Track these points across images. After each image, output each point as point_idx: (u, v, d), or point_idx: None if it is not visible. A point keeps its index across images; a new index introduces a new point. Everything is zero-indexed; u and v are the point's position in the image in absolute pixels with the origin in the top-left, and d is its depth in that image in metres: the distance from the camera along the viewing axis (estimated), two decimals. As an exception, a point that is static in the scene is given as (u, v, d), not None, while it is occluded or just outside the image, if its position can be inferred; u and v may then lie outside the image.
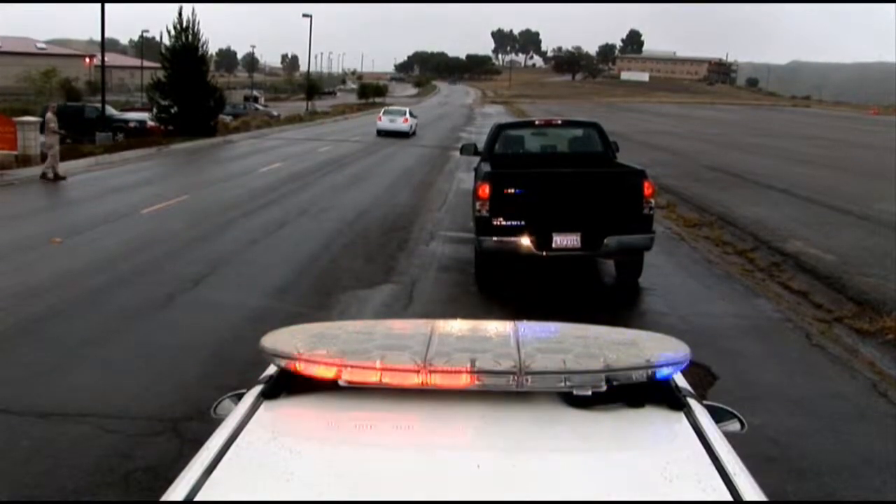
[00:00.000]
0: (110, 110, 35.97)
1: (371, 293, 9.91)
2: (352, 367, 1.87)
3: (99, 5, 30.58)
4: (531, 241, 9.50)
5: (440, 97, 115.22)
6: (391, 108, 49.75)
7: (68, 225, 13.81)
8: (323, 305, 9.22)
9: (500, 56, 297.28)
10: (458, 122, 60.08)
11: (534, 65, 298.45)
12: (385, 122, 42.96)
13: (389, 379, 1.86)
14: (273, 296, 9.63)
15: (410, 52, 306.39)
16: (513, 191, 9.60)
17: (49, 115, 21.47)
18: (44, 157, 21.22)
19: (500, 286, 10.25)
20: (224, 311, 8.90)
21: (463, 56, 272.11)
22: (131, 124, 34.82)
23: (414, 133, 43.11)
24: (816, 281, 10.70)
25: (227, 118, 45.16)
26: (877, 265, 11.38)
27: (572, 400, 1.88)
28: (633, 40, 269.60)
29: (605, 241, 9.53)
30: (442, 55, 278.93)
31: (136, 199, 16.91)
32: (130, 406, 6.07)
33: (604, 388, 1.87)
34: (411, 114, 45.63)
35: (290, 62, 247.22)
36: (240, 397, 2.10)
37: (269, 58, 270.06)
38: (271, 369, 2.10)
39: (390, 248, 12.61)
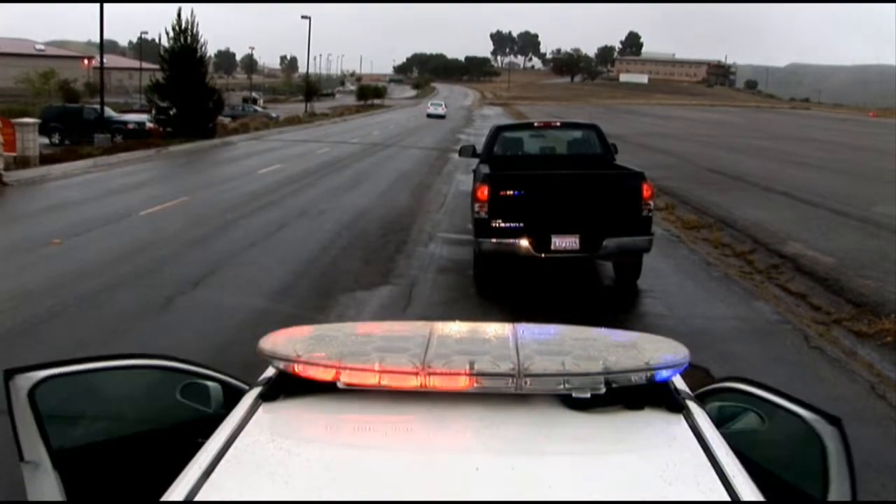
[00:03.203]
0: (109, 112, 36.01)
1: (369, 295, 9.91)
2: (350, 369, 1.88)
3: (98, 7, 30.62)
4: (530, 243, 9.50)
5: (439, 99, 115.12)
6: (434, 101, 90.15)
7: (67, 226, 13.81)
8: (321, 307, 9.21)
9: (498, 58, 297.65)
10: (457, 124, 60.12)
11: (532, 67, 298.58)
12: (431, 109, 74.56)
13: (388, 381, 1.86)
14: (272, 298, 9.63)
15: (409, 54, 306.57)
16: (511, 193, 9.60)
17: None
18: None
19: (499, 288, 10.25)
20: (223, 313, 8.90)
21: (462, 58, 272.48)
22: (130, 126, 34.85)
23: (445, 116, 70.34)
24: (815, 283, 10.70)
25: (226, 120, 45.21)
26: (875, 267, 11.38)
27: (571, 402, 1.88)
28: (632, 42, 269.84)
29: (604, 242, 9.53)
30: (441, 57, 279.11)
31: (135, 201, 16.91)
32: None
33: (603, 390, 1.87)
34: (445, 105, 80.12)
35: (289, 64, 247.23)
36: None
37: (268, 59, 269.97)
38: (270, 371, 2.10)
39: (389, 249, 12.61)
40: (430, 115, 70.57)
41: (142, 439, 2.72)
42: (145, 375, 2.92)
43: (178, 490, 1.58)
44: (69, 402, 2.83)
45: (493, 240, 9.60)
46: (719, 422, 2.31)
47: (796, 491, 2.24)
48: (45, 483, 2.60)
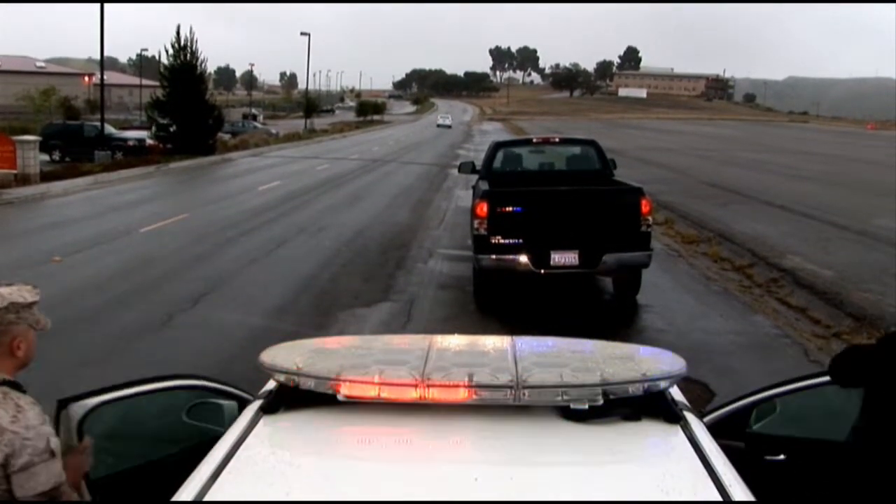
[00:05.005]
0: (109, 129, 36.07)
1: (370, 312, 9.92)
2: (350, 381, 1.89)
3: (98, 24, 30.73)
4: (529, 259, 9.50)
5: (444, 113, 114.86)
6: (442, 114, 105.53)
7: (68, 244, 13.82)
8: (322, 324, 9.21)
9: (497, 73, 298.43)
10: (456, 140, 60.25)
11: (532, 82, 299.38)
12: (440, 120, 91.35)
13: (388, 393, 1.88)
14: (272, 315, 9.63)
15: (408, 70, 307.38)
16: (511, 209, 9.61)
17: None
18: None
19: (498, 304, 10.25)
20: (223, 330, 8.90)
21: (461, 73, 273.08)
22: (130, 143, 34.92)
23: (451, 126, 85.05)
24: (814, 296, 10.70)
25: (226, 136, 45.28)
26: (875, 281, 11.39)
27: (569, 413, 1.90)
28: (631, 57, 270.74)
29: (603, 258, 9.54)
30: (440, 72, 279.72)
31: (135, 218, 16.94)
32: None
33: (600, 401, 1.88)
34: (451, 117, 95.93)
35: (289, 80, 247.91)
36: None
37: (268, 76, 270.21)
38: (270, 384, 2.12)
39: (389, 266, 12.62)
40: (439, 126, 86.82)
41: (168, 463, 2.61)
42: (169, 397, 2.87)
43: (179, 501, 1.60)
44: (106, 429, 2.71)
45: (493, 256, 9.61)
46: None
47: None
48: None
